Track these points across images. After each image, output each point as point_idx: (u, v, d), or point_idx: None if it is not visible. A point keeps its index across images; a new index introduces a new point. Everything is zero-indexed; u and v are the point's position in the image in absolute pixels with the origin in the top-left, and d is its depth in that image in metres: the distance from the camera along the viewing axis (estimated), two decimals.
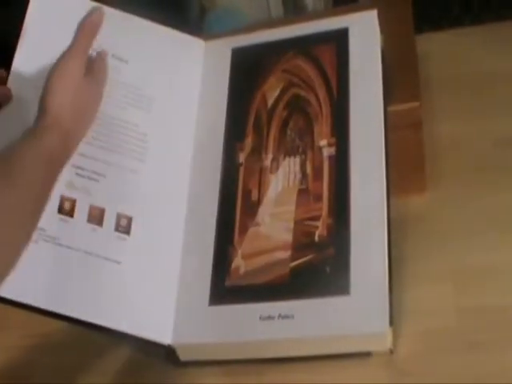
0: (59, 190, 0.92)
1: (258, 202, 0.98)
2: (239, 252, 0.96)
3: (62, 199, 0.93)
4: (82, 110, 0.92)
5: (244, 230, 0.96)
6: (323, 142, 0.98)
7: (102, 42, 0.99)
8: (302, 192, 0.97)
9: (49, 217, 0.90)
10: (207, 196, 0.99)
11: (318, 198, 0.95)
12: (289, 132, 1.00)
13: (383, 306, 0.88)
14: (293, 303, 0.91)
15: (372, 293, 0.89)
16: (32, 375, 1.01)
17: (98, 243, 0.94)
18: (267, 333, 0.91)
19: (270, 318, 0.91)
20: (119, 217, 0.95)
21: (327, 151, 0.97)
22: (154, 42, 1.04)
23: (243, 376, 0.94)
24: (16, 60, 0.96)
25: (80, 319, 0.91)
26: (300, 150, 0.99)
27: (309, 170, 0.97)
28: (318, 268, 0.92)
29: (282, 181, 0.98)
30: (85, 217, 0.94)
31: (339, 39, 1.02)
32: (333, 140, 0.98)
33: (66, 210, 0.93)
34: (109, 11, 1.02)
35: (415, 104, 1.00)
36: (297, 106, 1.01)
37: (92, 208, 0.94)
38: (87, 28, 0.96)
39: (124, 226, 0.95)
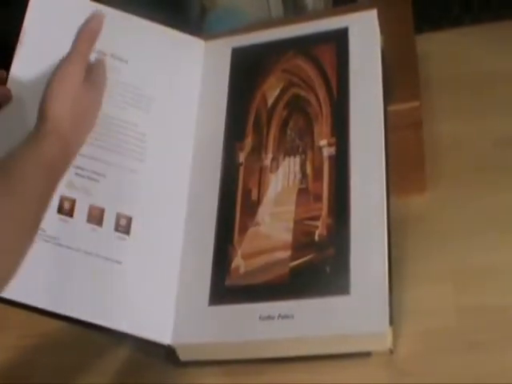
0: (59, 189, 0.92)
1: (258, 202, 0.97)
2: (239, 252, 0.96)
3: (62, 199, 0.93)
4: (82, 116, 0.91)
5: (244, 230, 0.96)
6: (323, 142, 0.98)
7: (101, 41, 0.99)
8: (302, 192, 0.96)
9: (48, 217, 0.90)
10: (207, 196, 0.99)
11: (318, 197, 0.95)
12: (289, 132, 1.00)
13: (383, 305, 0.88)
14: (293, 303, 0.91)
15: (372, 293, 0.89)
16: (31, 375, 1.01)
17: (98, 243, 0.94)
18: (267, 333, 0.91)
19: (269, 317, 0.91)
20: (119, 217, 0.95)
21: (327, 151, 0.97)
22: (153, 41, 1.04)
23: (243, 376, 0.94)
24: (16, 60, 0.96)
25: (80, 319, 0.91)
26: (300, 149, 0.99)
27: (309, 169, 0.97)
28: (317, 268, 0.92)
29: (281, 180, 0.98)
30: (84, 217, 0.94)
31: (339, 39, 1.02)
32: (333, 140, 0.98)
33: (66, 209, 0.93)
34: (109, 11, 1.02)
35: (415, 104, 1.00)
36: (297, 106, 1.01)
37: (92, 208, 0.94)
38: (87, 34, 0.95)
39: (124, 226, 0.95)
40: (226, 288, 0.94)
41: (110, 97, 0.97)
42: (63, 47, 0.97)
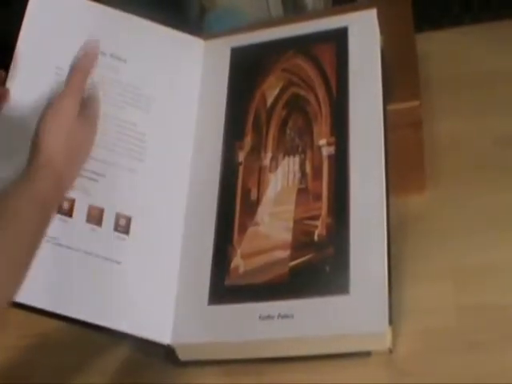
0: None
1: (258, 202, 0.97)
2: (238, 251, 0.95)
3: None
4: (76, 151, 0.90)
5: (243, 230, 0.96)
6: (322, 142, 0.98)
7: (101, 41, 0.99)
8: (302, 191, 0.96)
9: None
10: (206, 195, 0.99)
11: (318, 197, 0.95)
12: (288, 131, 1.00)
13: (383, 305, 0.88)
14: (292, 303, 0.91)
15: (371, 292, 0.89)
16: (31, 375, 1.01)
17: (98, 243, 0.94)
18: (267, 332, 0.91)
19: (269, 317, 0.91)
20: (118, 217, 0.95)
21: (326, 150, 0.97)
22: (153, 41, 1.04)
23: (243, 376, 0.94)
24: (15, 60, 0.96)
25: (79, 319, 0.91)
26: (299, 149, 0.99)
27: (308, 169, 0.97)
28: (317, 267, 0.92)
29: (281, 180, 0.98)
30: (84, 217, 0.94)
31: (339, 38, 1.02)
32: (332, 139, 0.98)
33: (65, 209, 0.93)
34: (108, 11, 1.02)
35: (415, 103, 1.00)
36: (296, 106, 1.01)
37: (91, 208, 0.94)
38: (81, 67, 0.94)
39: (123, 226, 0.95)
40: (225, 288, 0.94)
41: (109, 96, 0.97)
42: (63, 47, 0.98)
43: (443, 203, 1.02)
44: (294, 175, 0.98)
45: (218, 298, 0.94)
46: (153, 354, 0.97)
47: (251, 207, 0.97)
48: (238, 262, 0.95)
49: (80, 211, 0.94)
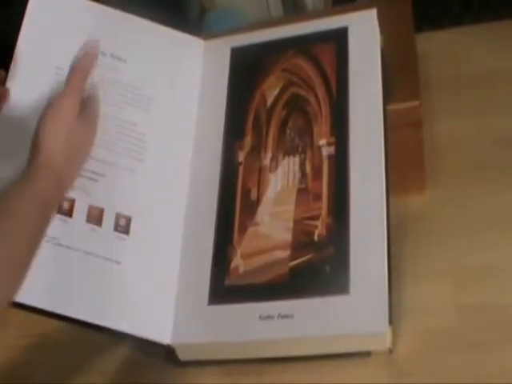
0: None
1: (258, 202, 0.97)
2: (238, 251, 0.95)
3: None
4: (76, 151, 0.90)
5: (243, 230, 0.96)
6: (322, 142, 0.98)
7: (101, 41, 0.99)
8: (302, 191, 0.96)
9: None
10: (206, 195, 0.99)
11: (318, 197, 0.95)
12: (288, 131, 1.00)
13: (383, 305, 0.88)
14: (292, 303, 0.91)
15: (371, 292, 0.89)
16: (31, 375, 1.01)
17: (98, 243, 0.94)
18: (267, 332, 0.91)
19: (269, 317, 0.91)
20: (118, 217, 0.95)
21: (326, 150, 0.97)
22: (153, 41, 1.04)
23: (243, 376, 0.94)
24: (15, 60, 0.96)
25: (79, 319, 0.91)
26: (299, 149, 0.99)
27: (308, 169, 0.97)
28: (317, 267, 0.92)
29: (281, 180, 0.98)
30: (84, 217, 0.94)
31: (339, 38, 1.02)
32: (332, 139, 0.98)
33: (65, 209, 0.93)
34: (108, 11, 1.02)
35: (415, 103, 1.00)
36: (296, 106, 1.01)
37: (91, 208, 0.94)
38: (81, 67, 0.94)
39: (123, 226, 0.95)
40: (225, 288, 0.94)
41: (108, 96, 0.98)
42: (63, 47, 0.98)
43: (443, 203, 1.02)
44: (294, 175, 0.98)
45: (218, 298, 0.94)
46: (153, 354, 0.97)
47: (251, 207, 0.97)
48: (237, 262, 0.95)
49: (80, 211, 0.94)
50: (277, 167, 0.99)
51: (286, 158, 0.99)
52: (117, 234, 0.95)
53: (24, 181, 0.85)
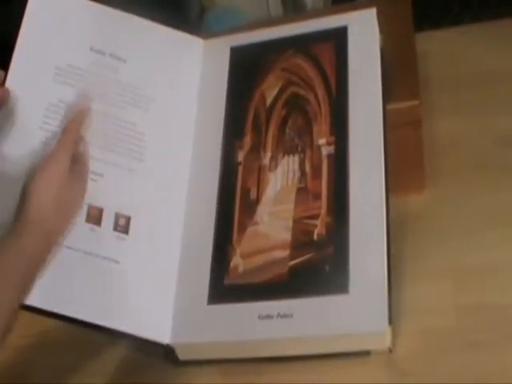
0: None
1: (257, 201, 0.97)
2: (238, 251, 0.95)
3: None
4: (66, 207, 0.90)
5: (243, 229, 0.96)
6: (322, 141, 0.98)
7: (101, 41, 1.00)
8: (301, 190, 0.96)
9: None
10: (206, 195, 0.99)
11: (317, 196, 0.95)
12: (288, 131, 1.00)
13: (382, 304, 0.88)
14: (291, 302, 0.91)
15: (371, 291, 0.89)
16: (30, 375, 1.01)
17: (97, 243, 0.94)
18: (266, 332, 0.91)
19: (268, 316, 0.91)
20: (118, 216, 0.95)
21: (326, 150, 0.97)
22: (152, 41, 1.04)
23: (242, 375, 0.94)
24: (14, 60, 0.96)
25: (78, 319, 0.91)
26: (299, 148, 0.99)
27: (308, 168, 0.97)
28: (316, 267, 0.92)
29: (280, 179, 0.98)
30: (83, 216, 0.94)
31: (338, 38, 1.02)
32: (332, 139, 0.98)
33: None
34: (108, 11, 1.02)
35: (415, 102, 0.99)
36: (296, 105, 1.01)
37: (90, 208, 0.94)
38: (73, 125, 0.93)
39: (123, 226, 0.95)
40: (225, 287, 0.94)
41: (108, 96, 0.98)
42: (62, 47, 0.98)
43: (443, 203, 1.02)
44: (294, 174, 0.97)
45: (218, 298, 0.94)
46: (152, 353, 0.97)
47: (251, 206, 0.97)
48: (237, 262, 0.95)
49: None
50: (276, 166, 0.99)
51: (286, 157, 0.99)
52: (116, 233, 0.95)
53: (11, 236, 0.85)
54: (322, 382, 0.91)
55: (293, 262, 0.93)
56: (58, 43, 0.98)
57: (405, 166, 1.00)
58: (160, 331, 0.93)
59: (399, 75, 1.00)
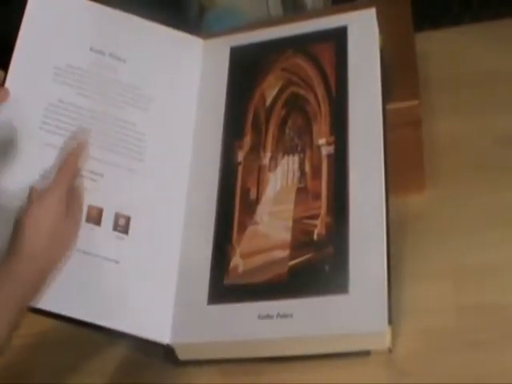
0: None
1: (257, 201, 0.97)
2: (238, 251, 0.95)
3: None
4: (60, 242, 0.89)
5: (243, 229, 0.96)
6: (322, 141, 0.98)
7: (100, 41, 0.99)
8: (301, 190, 0.96)
9: None
10: (206, 195, 0.99)
11: (317, 196, 0.95)
12: (287, 131, 1.00)
13: (382, 304, 0.88)
14: (291, 302, 0.91)
15: (371, 291, 0.89)
16: (30, 375, 1.01)
17: (97, 243, 0.93)
18: (266, 332, 0.91)
19: (268, 316, 0.91)
20: (117, 216, 0.95)
21: (326, 150, 0.97)
22: (152, 41, 1.04)
23: (242, 375, 0.94)
24: (14, 60, 0.96)
25: (78, 319, 0.91)
26: (299, 148, 0.99)
27: (307, 168, 0.97)
28: (316, 267, 0.92)
29: (280, 179, 0.98)
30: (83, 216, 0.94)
31: (338, 38, 1.02)
32: (331, 138, 0.97)
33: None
34: (108, 11, 1.02)
35: (414, 102, 1.00)
36: (295, 105, 1.01)
37: (90, 208, 0.94)
38: (72, 157, 0.92)
39: (122, 226, 0.95)
40: (224, 287, 0.94)
41: (108, 96, 0.98)
42: (62, 47, 0.98)
43: (443, 203, 1.02)
44: (294, 174, 0.97)
45: (218, 298, 0.94)
46: (152, 353, 0.97)
47: (250, 206, 0.97)
48: (237, 262, 0.95)
49: None
50: (276, 166, 0.99)
51: (286, 157, 0.99)
52: (116, 233, 0.95)
53: (5, 265, 0.84)
54: (322, 381, 0.91)
55: (293, 262, 0.93)
56: (58, 43, 0.98)
57: (405, 165, 1.00)
58: (160, 331, 0.93)
59: (399, 75, 1.00)
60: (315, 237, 0.93)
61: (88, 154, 0.94)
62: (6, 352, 0.82)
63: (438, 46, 1.16)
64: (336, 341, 0.90)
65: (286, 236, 0.94)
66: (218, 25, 1.34)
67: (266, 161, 0.99)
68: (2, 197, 0.90)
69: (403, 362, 0.91)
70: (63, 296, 0.91)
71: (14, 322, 0.83)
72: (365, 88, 0.98)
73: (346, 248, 0.91)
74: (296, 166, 0.98)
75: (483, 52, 1.14)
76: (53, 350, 1.01)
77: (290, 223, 0.95)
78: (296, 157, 0.98)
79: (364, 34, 1.01)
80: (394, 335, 0.91)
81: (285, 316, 0.90)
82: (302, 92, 1.01)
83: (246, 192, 0.98)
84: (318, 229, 0.94)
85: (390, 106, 0.98)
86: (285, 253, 0.94)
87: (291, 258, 0.93)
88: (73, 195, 0.91)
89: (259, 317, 0.91)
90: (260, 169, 0.99)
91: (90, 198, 0.94)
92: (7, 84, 0.94)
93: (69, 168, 0.91)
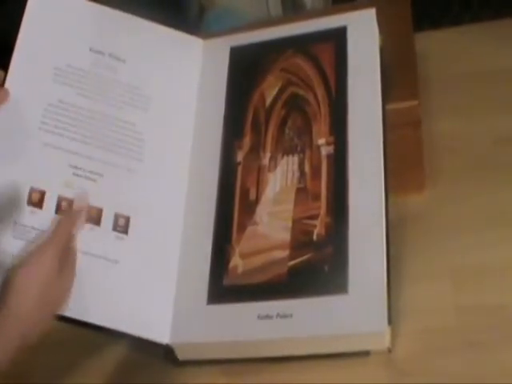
0: (56, 189, 0.92)
1: (256, 201, 0.97)
2: (237, 251, 0.95)
3: (60, 199, 0.93)
4: (50, 305, 0.86)
5: (242, 229, 0.96)
6: (321, 141, 0.98)
7: (100, 41, 1.00)
8: (300, 191, 0.96)
9: (46, 217, 0.90)
10: (205, 195, 0.99)
11: (317, 196, 0.95)
12: (287, 131, 1.00)
13: (381, 304, 0.88)
14: (291, 302, 0.91)
15: (370, 291, 0.89)
16: (30, 375, 1.01)
17: (96, 243, 0.93)
18: (265, 332, 0.91)
19: (268, 317, 0.91)
20: (117, 216, 0.95)
21: (325, 150, 0.97)
22: (152, 41, 1.04)
23: (241, 375, 0.94)
24: (14, 61, 0.96)
25: (78, 319, 0.91)
26: (298, 148, 0.99)
27: (307, 168, 0.97)
28: (316, 267, 0.92)
29: (280, 180, 0.98)
30: None
31: (338, 38, 1.02)
32: (331, 139, 0.97)
33: (64, 209, 0.93)
34: (107, 11, 1.02)
35: (414, 102, 0.99)
36: (295, 105, 1.01)
37: (90, 208, 0.94)
38: (67, 219, 0.89)
39: (122, 226, 0.95)
40: (224, 287, 0.94)
41: (107, 96, 0.98)
42: (61, 47, 0.98)
43: (442, 202, 1.02)
44: (293, 175, 0.97)
45: (217, 298, 0.94)
46: (151, 353, 0.97)
47: (250, 207, 0.97)
48: (236, 262, 0.95)
49: None
50: (276, 167, 0.99)
51: (285, 157, 0.99)
52: (115, 233, 0.95)
53: None
54: (322, 381, 0.91)
55: (292, 262, 0.93)
56: (58, 43, 0.98)
57: (404, 165, 1.00)
58: (159, 331, 0.93)
59: (399, 75, 1.00)
60: (315, 237, 0.93)
61: (84, 221, 0.91)
62: None
63: (438, 46, 1.16)
64: (335, 341, 0.90)
65: (286, 236, 0.94)
66: (218, 25, 1.34)
67: (265, 161, 0.99)
68: (1, 197, 0.90)
69: (403, 362, 0.91)
70: None
71: None
72: (364, 88, 0.98)
73: (345, 248, 0.91)
74: (295, 166, 0.98)
75: (483, 52, 1.14)
76: (53, 350, 1.01)
77: (290, 223, 0.95)
78: (296, 157, 0.98)
79: (364, 34, 1.01)
80: (394, 335, 0.91)
81: (284, 316, 0.90)
82: (301, 92, 1.01)
83: (245, 192, 0.98)
84: (318, 229, 0.94)
85: (390, 106, 0.98)
86: (284, 253, 0.94)
87: (291, 258, 0.93)
88: (67, 256, 0.87)
89: (259, 317, 0.91)
90: (260, 169, 0.99)
91: (90, 198, 0.94)
92: (7, 84, 0.94)
93: (63, 230, 0.88)
